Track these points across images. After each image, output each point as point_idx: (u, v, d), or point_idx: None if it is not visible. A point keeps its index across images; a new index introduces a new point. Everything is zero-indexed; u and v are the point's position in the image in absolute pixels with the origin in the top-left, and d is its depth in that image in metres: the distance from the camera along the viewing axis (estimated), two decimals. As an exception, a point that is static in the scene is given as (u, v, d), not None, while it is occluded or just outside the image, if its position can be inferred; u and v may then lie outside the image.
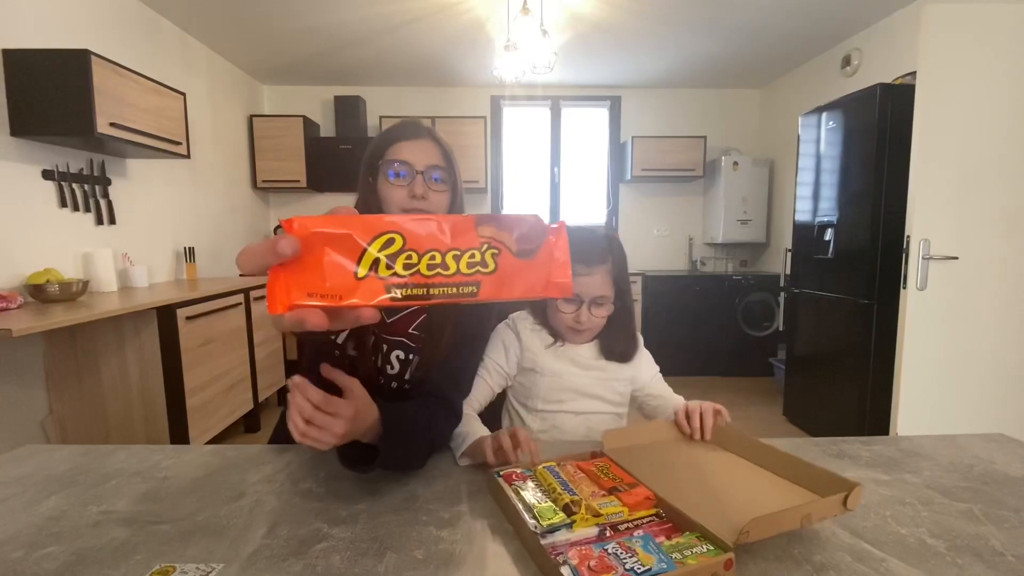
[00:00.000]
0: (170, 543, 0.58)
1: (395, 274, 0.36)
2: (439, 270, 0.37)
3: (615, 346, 1.03)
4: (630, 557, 0.50)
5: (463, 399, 0.92)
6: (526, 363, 1.02)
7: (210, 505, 0.66)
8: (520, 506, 0.61)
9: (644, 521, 0.59)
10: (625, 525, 0.59)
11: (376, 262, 0.36)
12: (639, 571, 0.48)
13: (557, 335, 1.03)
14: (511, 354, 1.02)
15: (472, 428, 0.85)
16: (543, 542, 0.54)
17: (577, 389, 1.02)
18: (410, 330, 0.89)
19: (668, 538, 0.55)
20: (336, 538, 0.59)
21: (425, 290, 0.37)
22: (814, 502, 0.57)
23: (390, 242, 0.36)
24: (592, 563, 0.49)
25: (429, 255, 0.37)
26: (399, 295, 0.36)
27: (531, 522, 0.58)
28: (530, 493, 0.64)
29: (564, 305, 0.96)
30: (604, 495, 0.64)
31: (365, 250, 0.36)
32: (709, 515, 0.56)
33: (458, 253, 0.38)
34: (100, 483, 0.73)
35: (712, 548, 0.52)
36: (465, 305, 0.82)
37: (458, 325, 0.90)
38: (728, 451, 0.80)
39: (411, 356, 0.89)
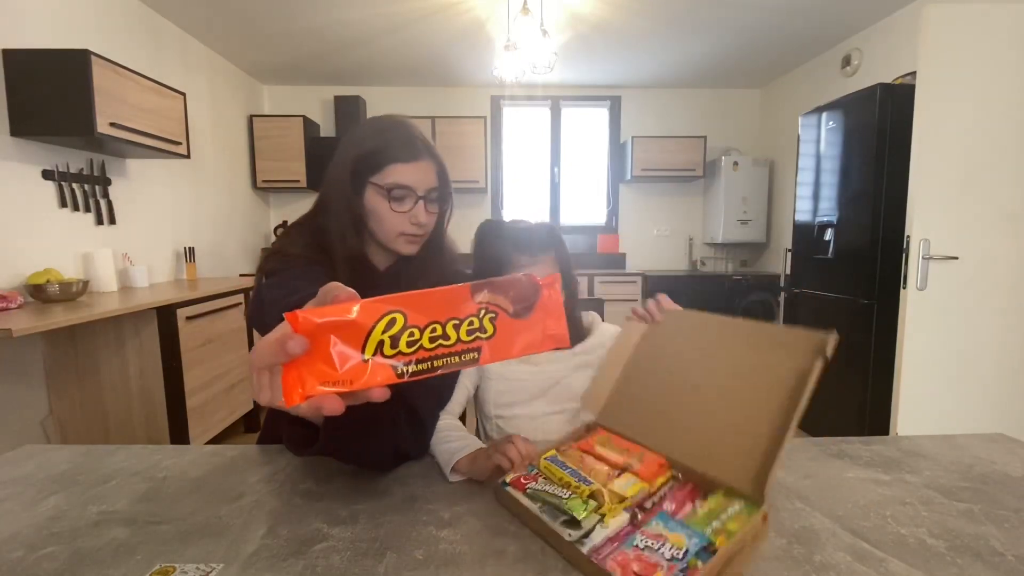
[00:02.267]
0: (170, 543, 0.58)
1: (400, 352, 0.37)
2: (440, 341, 0.38)
3: None
4: (663, 544, 0.50)
5: (436, 407, 0.85)
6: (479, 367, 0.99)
7: (210, 505, 0.66)
8: (546, 517, 0.58)
9: (665, 489, 0.59)
10: (650, 501, 0.58)
11: (381, 344, 0.37)
12: (679, 556, 0.48)
13: None
14: None
15: (461, 441, 0.77)
16: (584, 549, 0.52)
17: (527, 390, 0.98)
18: None
19: (694, 503, 0.55)
20: (336, 538, 0.59)
21: (429, 364, 0.38)
22: (792, 409, 0.54)
23: (392, 323, 0.37)
24: (636, 568, 0.48)
25: (430, 328, 0.38)
26: (406, 371, 0.37)
27: (567, 532, 0.55)
28: (547, 494, 0.60)
29: None
30: (619, 475, 0.62)
31: (370, 334, 0.36)
32: (717, 454, 0.56)
33: (457, 322, 0.38)
34: (100, 483, 0.73)
35: (744, 504, 0.52)
36: None
37: None
38: (693, 341, 0.74)
39: None
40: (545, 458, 0.67)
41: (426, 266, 0.89)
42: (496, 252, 0.95)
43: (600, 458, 0.66)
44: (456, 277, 0.94)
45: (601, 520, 0.55)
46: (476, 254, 1.00)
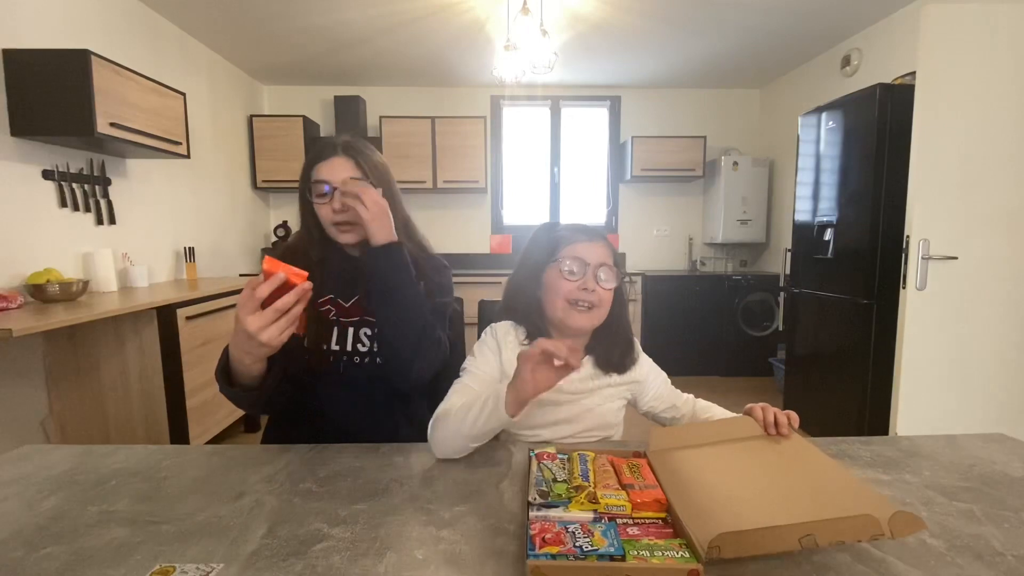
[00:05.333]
0: (170, 543, 0.58)
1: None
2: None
3: (611, 355, 0.95)
4: (584, 537, 0.54)
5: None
6: (506, 381, 0.94)
7: (210, 505, 0.67)
8: (533, 480, 0.67)
9: (646, 521, 0.59)
10: (624, 520, 0.59)
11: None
12: (586, 549, 0.52)
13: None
14: (497, 365, 0.94)
15: (483, 399, 0.79)
16: (534, 513, 0.60)
17: (555, 414, 0.93)
18: (369, 308, 0.99)
19: (656, 539, 0.55)
20: (336, 538, 0.59)
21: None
22: (817, 521, 0.51)
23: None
24: (548, 536, 0.55)
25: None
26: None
27: (533, 496, 0.63)
28: (553, 472, 0.68)
29: (569, 275, 0.89)
30: (616, 488, 0.64)
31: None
32: (718, 528, 0.53)
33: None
34: (100, 483, 0.73)
35: (687, 556, 0.52)
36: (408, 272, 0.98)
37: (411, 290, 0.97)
38: (779, 451, 0.74)
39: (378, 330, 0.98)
40: (579, 453, 0.74)
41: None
42: (556, 240, 0.94)
43: (618, 472, 0.69)
44: (426, 259, 1.05)
45: (566, 505, 0.62)
46: (532, 243, 0.99)
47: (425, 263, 1.05)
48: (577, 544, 0.53)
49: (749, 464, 0.72)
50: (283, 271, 0.70)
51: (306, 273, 0.72)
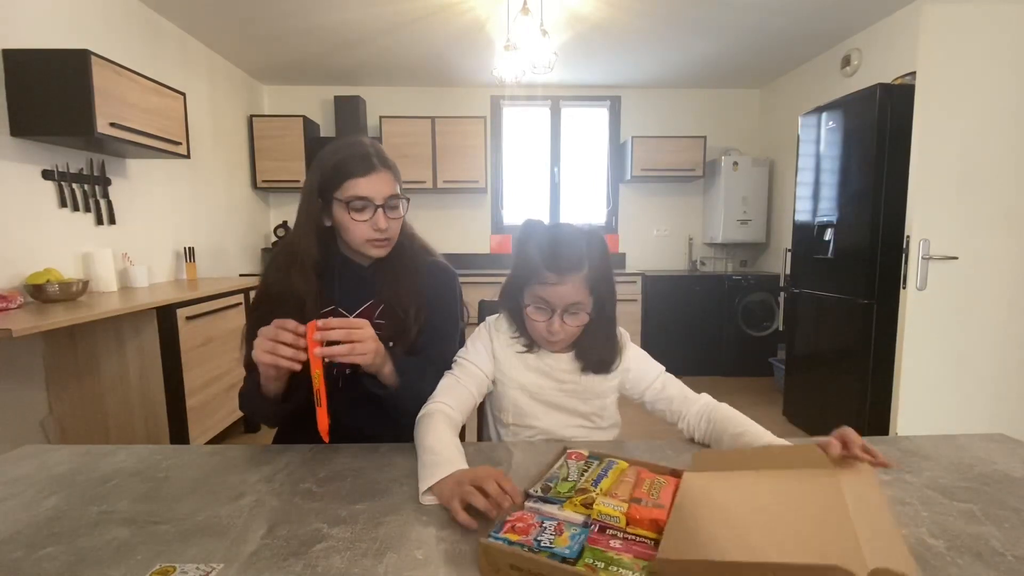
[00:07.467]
0: (170, 543, 0.58)
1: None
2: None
3: (591, 355, 0.95)
4: (551, 535, 0.55)
5: (443, 353, 0.99)
6: (497, 373, 0.97)
7: (210, 505, 0.67)
8: (549, 474, 0.68)
9: (637, 538, 0.57)
10: (614, 531, 0.58)
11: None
12: (543, 544, 0.54)
13: (532, 343, 0.97)
14: (488, 358, 0.97)
15: (443, 453, 0.73)
16: (529, 504, 0.63)
17: (549, 402, 0.96)
18: (375, 319, 0.97)
19: (624, 555, 0.54)
20: (336, 538, 0.59)
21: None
22: (779, 564, 0.46)
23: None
24: (519, 524, 0.56)
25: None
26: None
27: (533, 489, 0.65)
28: (568, 471, 0.69)
29: (535, 313, 0.90)
30: (621, 500, 0.62)
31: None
32: (677, 553, 0.50)
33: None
34: (100, 483, 0.73)
35: (645, 571, 0.51)
36: (420, 280, 1.00)
37: (421, 296, 0.98)
38: (810, 491, 0.59)
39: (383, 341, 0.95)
40: (610, 458, 0.73)
41: (403, 256, 1.01)
42: (531, 261, 0.91)
43: (636, 484, 0.66)
44: (431, 267, 1.04)
45: (561, 504, 0.62)
46: (515, 253, 0.98)
47: (435, 275, 1.03)
48: (537, 538, 0.54)
49: (772, 493, 0.60)
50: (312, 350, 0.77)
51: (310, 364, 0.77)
